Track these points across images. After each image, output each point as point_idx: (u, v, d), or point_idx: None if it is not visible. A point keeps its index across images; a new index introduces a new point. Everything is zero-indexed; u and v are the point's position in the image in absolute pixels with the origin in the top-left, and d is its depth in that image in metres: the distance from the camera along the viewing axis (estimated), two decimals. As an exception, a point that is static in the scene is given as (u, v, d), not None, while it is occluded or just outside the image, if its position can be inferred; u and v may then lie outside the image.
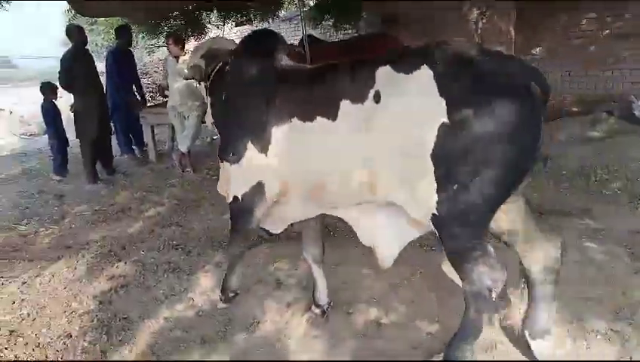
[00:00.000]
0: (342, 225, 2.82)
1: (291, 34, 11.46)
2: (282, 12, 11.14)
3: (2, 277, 3.55)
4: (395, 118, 1.90)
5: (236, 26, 13.15)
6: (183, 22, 8.14)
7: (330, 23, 9.67)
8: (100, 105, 5.90)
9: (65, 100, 7.11)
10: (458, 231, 1.90)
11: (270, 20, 11.86)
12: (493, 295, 1.96)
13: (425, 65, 1.87)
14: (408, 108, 1.88)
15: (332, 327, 2.65)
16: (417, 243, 3.18)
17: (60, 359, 2.58)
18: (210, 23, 8.97)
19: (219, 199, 4.85)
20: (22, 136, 10.31)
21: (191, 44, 9.26)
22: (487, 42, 4.19)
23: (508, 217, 2.11)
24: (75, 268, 3.60)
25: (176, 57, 6.01)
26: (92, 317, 2.90)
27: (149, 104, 7.63)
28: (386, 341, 2.49)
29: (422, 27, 4.49)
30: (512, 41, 5.26)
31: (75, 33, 5.74)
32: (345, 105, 2.03)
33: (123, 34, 6.87)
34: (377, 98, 1.96)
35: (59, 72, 5.68)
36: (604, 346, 2.31)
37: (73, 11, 7.52)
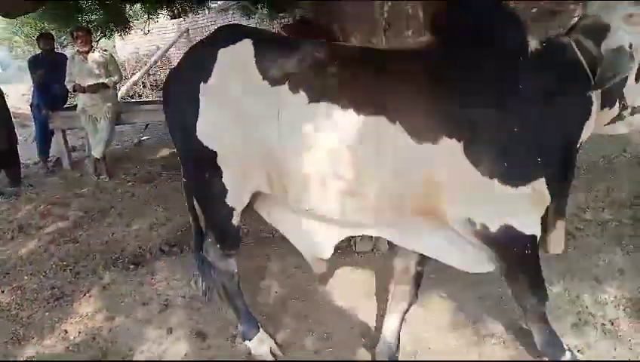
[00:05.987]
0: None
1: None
2: (216, 3, 10.66)
3: None
4: None
5: (172, 19, 12.60)
6: (102, 15, 7.54)
7: (266, 12, 9.33)
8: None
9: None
10: None
11: (207, 11, 11.36)
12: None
13: None
14: None
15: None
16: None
17: None
18: (132, 16, 8.40)
19: (127, 207, 4.58)
20: None
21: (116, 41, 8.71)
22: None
23: None
24: (-56, 300, 3.18)
25: (84, 54, 5.53)
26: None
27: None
28: None
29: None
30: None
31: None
32: None
33: (42, 41, 6.26)
34: None
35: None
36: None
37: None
